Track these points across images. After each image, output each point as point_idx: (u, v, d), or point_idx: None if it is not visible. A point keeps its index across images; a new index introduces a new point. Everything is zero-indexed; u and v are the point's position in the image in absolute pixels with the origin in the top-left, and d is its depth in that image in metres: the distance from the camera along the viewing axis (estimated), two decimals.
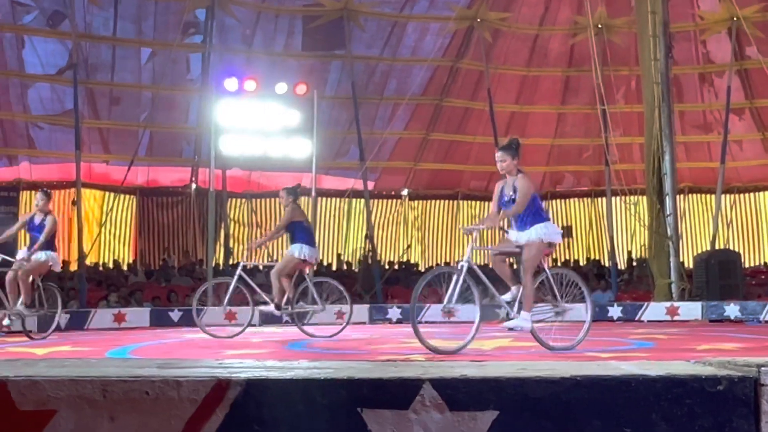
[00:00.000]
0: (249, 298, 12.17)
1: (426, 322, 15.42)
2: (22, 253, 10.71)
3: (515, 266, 8.10)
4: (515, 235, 7.91)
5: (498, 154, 8.35)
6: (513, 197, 7.90)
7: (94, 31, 23.81)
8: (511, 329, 8.10)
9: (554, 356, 7.48)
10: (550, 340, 8.06)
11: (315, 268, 14.71)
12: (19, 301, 10.27)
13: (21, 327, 10.78)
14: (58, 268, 11.13)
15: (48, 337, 11.01)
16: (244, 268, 12.16)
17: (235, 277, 11.82)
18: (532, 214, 7.85)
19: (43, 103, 24.41)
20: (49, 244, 10.55)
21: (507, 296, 7.96)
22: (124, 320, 17.26)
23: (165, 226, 26.55)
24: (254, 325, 13.02)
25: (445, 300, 7.89)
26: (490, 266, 8.55)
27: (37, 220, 10.56)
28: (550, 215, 8.49)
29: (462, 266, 7.92)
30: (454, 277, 7.87)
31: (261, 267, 17.73)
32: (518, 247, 7.88)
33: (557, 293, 8.07)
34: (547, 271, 8.11)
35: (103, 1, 23.26)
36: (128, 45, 24.42)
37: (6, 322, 10.49)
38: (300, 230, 11.61)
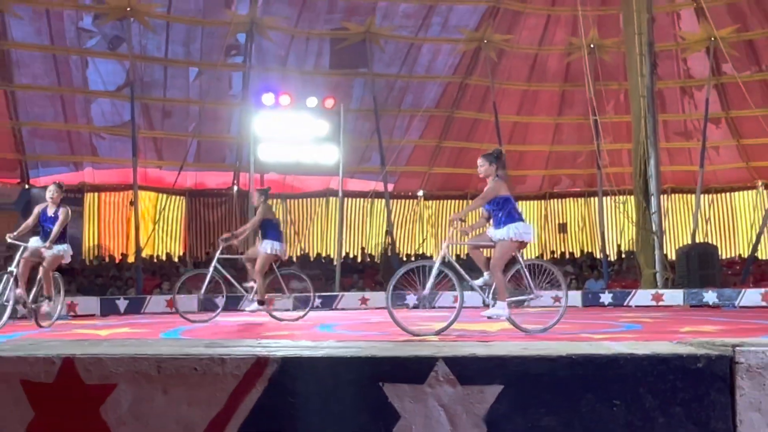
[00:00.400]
0: (222, 287, 11.53)
1: (439, 307, 15.44)
2: (34, 241, 9.56)
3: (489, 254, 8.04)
4: (491, 232, 7.89)
5: (479, 160, 8.24)
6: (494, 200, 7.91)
7: (149, 53, 23.95)
8: (489, 317, 8.00)
9: (552, 337, 7.44)
10: (524, 323, 7.97)
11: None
12: (32, 292, 9.41)
13: (32, 315, 9.67)
14: (68, 260, 9.91)
15: (53, 324, 9.95)
16: (220, 261, 11.50)
17: (211, 269, 11.23)
18: (506, 215, 7.77)
19: (104, 116, 24.61)
20: (62, 236, 9.54)
21: (479, 281, 7.89)
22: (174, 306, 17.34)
23: (210, 223, 26.66)
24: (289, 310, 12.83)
25: (424, 290, 7.86)
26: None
27: (50, 211, 9.49)
28: (524, 216, 8.30)
29: (441, 257, 7.96)
30: (432, 269, 7.89)
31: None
32: (492, 242, 7.88)
33: (531, 282, 7.95)
34: (521, 262, 7.99)
35: (156, 27, 23.36)
36: (178, 65, 24.54)
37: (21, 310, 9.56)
38: (270, 228, 11.26)
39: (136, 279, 20.61)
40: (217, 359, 2.33)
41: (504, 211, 7.84)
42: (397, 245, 25.95)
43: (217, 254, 11.51)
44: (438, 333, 7.70)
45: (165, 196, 25.79)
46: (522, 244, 7.95)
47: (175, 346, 2.60)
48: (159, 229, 25.44)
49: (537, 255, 28.25)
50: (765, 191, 26.38)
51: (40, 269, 9.38)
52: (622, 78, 23.71)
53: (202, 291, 11.23)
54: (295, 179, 26.43)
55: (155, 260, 24.46)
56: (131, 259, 23.05)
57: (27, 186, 24.42)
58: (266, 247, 10.92)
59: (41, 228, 9.51)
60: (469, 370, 2.26)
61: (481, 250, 8.14)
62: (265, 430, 2.29)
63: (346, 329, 9.76)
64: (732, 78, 24.32)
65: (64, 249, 9.56)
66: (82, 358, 2.37)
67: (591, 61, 23.57)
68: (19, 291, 9.28)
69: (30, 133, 24.27)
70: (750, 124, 25.58)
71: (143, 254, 23.17)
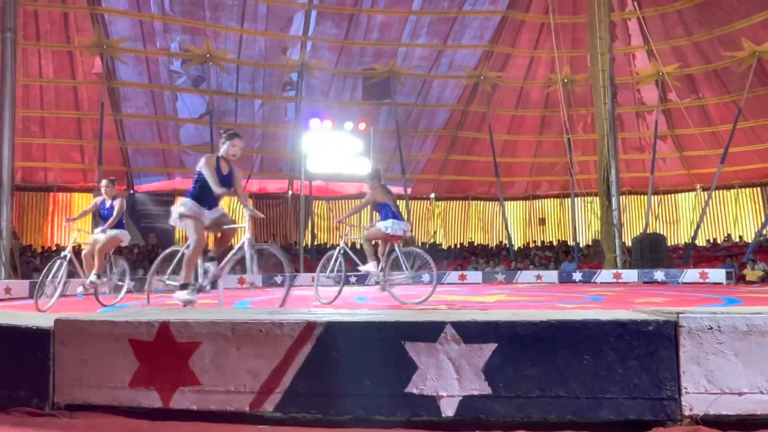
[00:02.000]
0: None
1: (446, 284, 15.38)
2: (96, 232, 8.53)
3: (378, 246, 7.99)
4: (379, 224, 7.94)
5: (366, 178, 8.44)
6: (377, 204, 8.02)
7: (223, 89, 24.10)
8: (376, 283, 8.04)
9: (534, 306, 7.40)
10: (403, 297, 7.94)
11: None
12: (93, 272, 8.19)
13: (94, 294, 8.47)
14: (126, 242, 8.84)
15: (118, 302, 8.61)
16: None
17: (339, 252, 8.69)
18: (383, 215, 7.83)
19: (189, 138, 24.79)
20: (119, 223, 8.48)
21: (367, 267, 7.96)
22: (245, 283, 17.44)
23: (271, 219, 26.79)
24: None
25: (329, 272, 8.28)
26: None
27: (107, 203, 8.50)
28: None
29: (340, 248, 8.26)
30: (335, 257, 8.26)
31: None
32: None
33: (406, 265, 7.85)
34: (398, 250, 7.88)
35: (229, 69, 23.52)
36: (246, 98, 24.69)
37: (80, 289, 8.45)
38: (384, 208, 9.94)
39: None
40: (277, 323, 2.34)
41: (381, 212, 7.92)
42: (415, 236, 25.91)
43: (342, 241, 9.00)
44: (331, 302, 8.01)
45: (235, 199, 25.93)
46: (393, 237, 7.80)
47: (245, 314, 2.62)
48: None
49: (524, 243, 28.17)
50: (702, 193, 26.02)
51: (95, 251, 8.25)
52: (589, 105, 23.49)
53: (328, 271, 8.54)
54: (336, 185, 26.50)
55: (228, 248, 24.59)
56: (210, 246, 23.21)
57: (132, 191, 24.68)
58: (380, 226, 8.17)
59: (100, 218, 8.56)
60: (471, 332, 2.26)
61: (372, 242, 8.08)
62: (314, 377, 2.30)
63: (376, 300, 9.77)
64: (675, 104, 24.05)
65: (122, 232, 8.53)
66: (175, 322, 2.40)
67: (565, 91, 23.44)
68: (78, 272, 8.38)
69: (134, 151, 24.54)
70: (690, 140, 25.32)
71: None
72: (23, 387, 2.45)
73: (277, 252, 6.14)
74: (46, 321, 2.54)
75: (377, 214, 8.03)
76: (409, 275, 7.89)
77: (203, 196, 5.87)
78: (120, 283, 8.76)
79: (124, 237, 8.60)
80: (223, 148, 5.86)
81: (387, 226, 7.77)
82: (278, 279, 11.55)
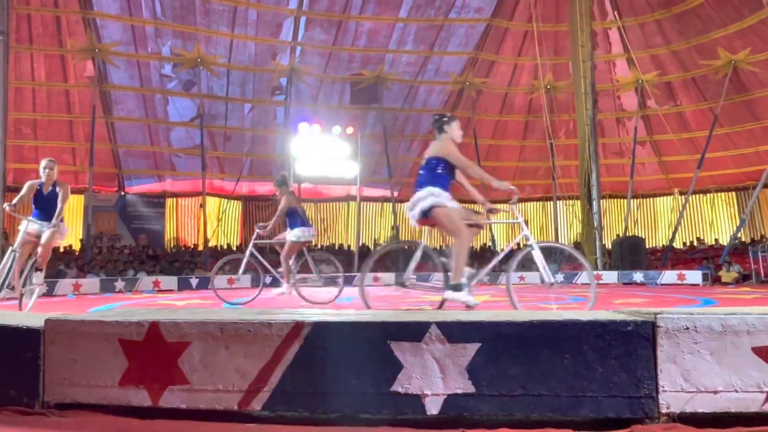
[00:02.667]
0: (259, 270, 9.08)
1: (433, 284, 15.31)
2: (46, 225, 6.58)
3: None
4: (287, 233, 8.01)
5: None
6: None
7: (214, 92, 23.97)
8: (279, 294, 8.03)
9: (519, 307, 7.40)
10: (311, 297, 8.04)
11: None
12: (36, 273, 6.51)
13: (19, 299, 6.43)
14: (63, 240, 6.97)
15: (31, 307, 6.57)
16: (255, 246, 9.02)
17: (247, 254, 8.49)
18: (292, 223, 7.92)
19: (180, 141, 24.64)
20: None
21: (281, 289, 8.00)
22: (234, 282, 17.36)
23: (260, 220, 26.63)
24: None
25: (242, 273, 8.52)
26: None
27: (47, 189, 6.64)
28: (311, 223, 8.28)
29: (249, 252, 8.17)
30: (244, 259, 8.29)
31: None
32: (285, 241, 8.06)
33: (315, 268, 8.05)
34: (307, 255, 8.06)
35: (219, 73, 23.41)
36: (236, 102, 24.57)
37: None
38: (295, 216, 8.59)
39: (204, 262, 20.65)
40: (265, 323, 2.34)
41: (290, 220, 7.95)
42: (401, 238, 25.91)
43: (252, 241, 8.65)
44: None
45: (226, 200, 25.85)
46: (303, 243, 7.91)
47: (234, 314, 2.61)
48: (221, 225, 25.53)
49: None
50: (679, 196, 26.23)
51: (41, 246, 6.51)
52: (571, 111, 23.64)
53: (239, 273, 8.76)
54: (324, 188, 26.44)
55: (218, 249, 24.49)
56: (201, 248, 23.10)
57: (123, 193, 24.51)
58: (292, 235, 8.10)
59: (37, 206, 6.72)
60: (455, 332, 2.26)
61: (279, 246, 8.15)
62: (301, 376, 2.29)
63: (288, 300, 9.78)
64: (654, 111, 24.22)
65: (63, 228, 6.80)
66: (165, 322, 2.39)
67: (547, 98, 23.53)
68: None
69: (125, 153, 24.33)
70: (668, 146, 25.51)
71: (210, 244, 23.23)
72: (13, 386, 2.43)
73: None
74: (36, 321, 2.52)
75: (286, 221, 8.05)
76: (318, 277, 8.05)
77: (444, 184, 4.97)
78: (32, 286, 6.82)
79: (64, 233, 6.88)
80: (452, 132, 5.11)
81: (299, 236, 7.81)
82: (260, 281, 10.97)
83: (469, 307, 4.69)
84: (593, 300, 5.36)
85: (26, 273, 6.58)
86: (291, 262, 8.01)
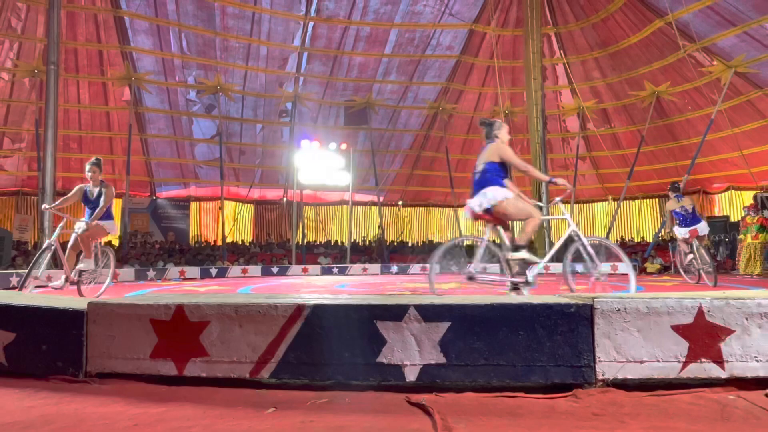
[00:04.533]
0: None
1: (411, 274, 15.27)
2: (80, 222, 6.28)
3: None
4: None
5: (90, 167, 6.51)
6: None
7: (231, 114, 23.83)
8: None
9: (483, 292, 7.39)
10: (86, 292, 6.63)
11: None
12: (81, 261, 6.17)
13: (77, 284, 6.24)
14: (113, 234, 6.52)
15: (102, 293, 6.44)
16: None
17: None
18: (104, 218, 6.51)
19: (203, 154, 24.46)
20: (106, 214, 6.29)
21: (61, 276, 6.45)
22: (247, 272, 17.26)
23: (269, 221, 26.57)
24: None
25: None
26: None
27: (94, 192, 6.30)
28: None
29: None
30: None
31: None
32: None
33: (98, 262, 6.62)
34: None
35: (236, 99, 23.28)
36: (249, 122, 24.43)
37: (59, 282, 6.09)
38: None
39: (222, 256, 20.50)
40: (272, 305, 2.33)
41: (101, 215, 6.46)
42: (386, 236, 25.91)
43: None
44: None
45: (240, 204, 25.69)
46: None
47: (246, 297, 2.60)
48: (237, 224, 25.38)
49: (474, 242, 28.22)
50: (613, 202, 26.47)
51: (80, 239, 6.18)
52: (525, 131, 23.74)
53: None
54: (322, 194, 26.36)
55: (234, 244, 24.38)
56: (219, 243, 22.93)
57: (154, 198, 24.29)
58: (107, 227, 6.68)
59: (87, 207, 6.40)
60: (429, 313, 2.27)
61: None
62: (302, 350, 2.28)
63: (354, 287, 9.74)
64: (593, 132, 24.44)
65: (107, 224, 6.38)
66: (188, 304, 2.37)
67: (506, 121, 23.63)
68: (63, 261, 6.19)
69: (156, 165, 24.10)
70: (604, 161, 25.73)
71: (227, 240, 23.05)
72: (61, 358, 2.40)
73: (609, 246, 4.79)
74: (80, 304, 2.50)
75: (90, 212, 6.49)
76: (96, 273, 6.58)
77: (503, 184, 4.58)
78: (101, 275, 6.59)
79: (111, 229, 6.49)
80: (502, 136, 4.69)
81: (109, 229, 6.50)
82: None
83: (527, 263, 4.50)
84: (633, 288, 4.98)
85: (79, 266, 6.27)
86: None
